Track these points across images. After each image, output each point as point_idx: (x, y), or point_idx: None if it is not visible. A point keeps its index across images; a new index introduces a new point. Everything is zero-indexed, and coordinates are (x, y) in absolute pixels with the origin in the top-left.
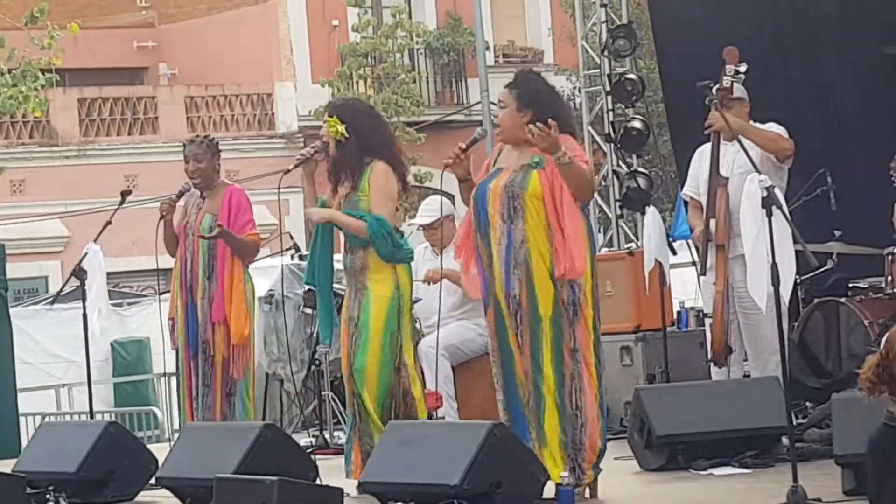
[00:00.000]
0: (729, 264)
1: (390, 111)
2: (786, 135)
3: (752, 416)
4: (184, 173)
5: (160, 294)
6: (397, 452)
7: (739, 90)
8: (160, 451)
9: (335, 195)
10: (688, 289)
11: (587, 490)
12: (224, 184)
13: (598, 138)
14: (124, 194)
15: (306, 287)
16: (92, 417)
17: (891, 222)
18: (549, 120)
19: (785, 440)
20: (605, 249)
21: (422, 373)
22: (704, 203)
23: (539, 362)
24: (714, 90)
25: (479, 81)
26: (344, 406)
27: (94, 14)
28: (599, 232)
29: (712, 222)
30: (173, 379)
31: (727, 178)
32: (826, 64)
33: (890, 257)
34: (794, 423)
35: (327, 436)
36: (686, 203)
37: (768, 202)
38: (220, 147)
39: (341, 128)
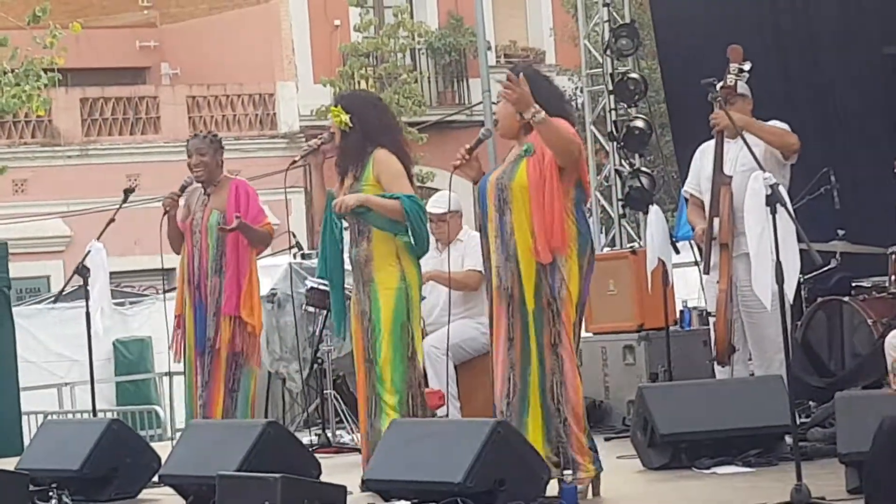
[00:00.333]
0: (733, 263)
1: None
2: (790, 131)
3: (756, 414)
4: (185, 172)
5: (165, 292)
6: (401, 450)
7: (743, 88)
8: (162, 449)
9: (342, 187)
10: (690, 288)
11: (590, 488)
12: (227, 178)
13: (600, 138)
14: (127, 192)
15: (309, 285)
16: (95, 416)
17: None
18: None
19: (788, 439)
20: (606, 249)
21: (425, 372)
22: (705, 200)
23: (528, 355)
24: (718, 88)
25: (480, 82)
26: (346, 404)
27: (96, 14)
28: (602, 232)
29: (716, 221)
30: (175, 378)
31: (731, 177)
32: (826, 64)
33: (894, 256)
34: (798, 422)
35: (329, 434)
36: (687, 201)
37: (773, 200)
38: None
39: (345, 118)
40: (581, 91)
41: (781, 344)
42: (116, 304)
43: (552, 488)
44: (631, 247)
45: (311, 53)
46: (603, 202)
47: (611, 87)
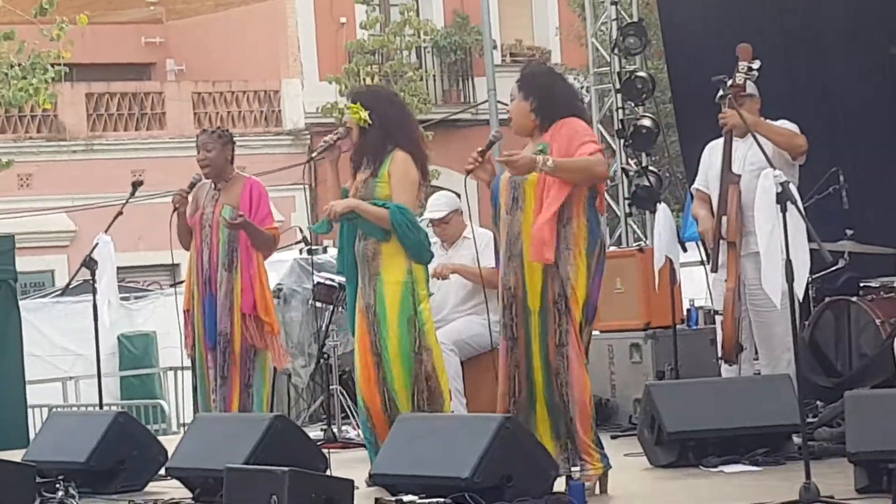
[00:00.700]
0: (741, 262)
1: None
2: (798, 131)
3: (763, 413)
4: (191, 168)
5: (175, 285)
6: (408, 445)
7: (751, 87)
8: (168, 443)
9: (355, 182)
10: (697, 287)
11: (597, 485)
12: (241, 176)
13: (607, 136)
14: (135, 185)
15: (316, 280)
16: (101, 409)
17: None
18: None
19: (795, 438)
20: (612, 248)
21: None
22: (712, 197)
23: (531, 355)
24: (727, 86)
25: (486, 80)
26: (352, 400)
27: (102, 9)
28: (607, 231)
29: (724, 219)
30: (180, 373)
31: (739, 175)
32: (832, 64)
33: None
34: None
35: (335, 429)
36: (692, 198)
37: (783, 198)
38: None
39: (365, 114)
40: (587, 91)
41: (789, 343)
42: (121, 298)
43: (559, 484)
44: (638, 245)
45: (316, 51)
46: (609, 201)
47: (618, 86)
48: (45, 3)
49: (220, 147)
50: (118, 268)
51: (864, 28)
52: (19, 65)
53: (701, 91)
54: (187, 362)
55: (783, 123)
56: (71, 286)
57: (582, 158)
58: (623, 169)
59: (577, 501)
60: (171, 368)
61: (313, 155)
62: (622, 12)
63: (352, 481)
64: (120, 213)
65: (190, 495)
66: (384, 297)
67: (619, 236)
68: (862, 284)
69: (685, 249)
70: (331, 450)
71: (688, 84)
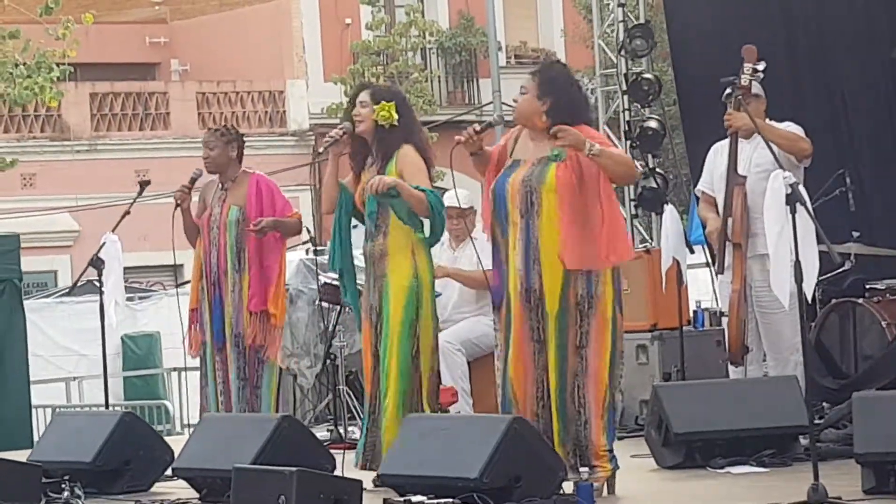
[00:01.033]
0: (747, 263)
1: None
2: (803, 135)
3: (770, 414)
4: (194, 168)
5: (179, 286)
6: (417, 445)
7: (756, 88)
8: (172, 444)
9: (357, 180)
10: (703, 288)
11: (605, 486)
12: (247, 174)
13: (613, 138)
14: (143, 184)
15: (322, 281)
16: (108, 409)
17: None
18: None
19: (802, 440)
20: None
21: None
22: (718, 199)
23: (546, 357)
24: (737, 87)
25: (490, 82)
26: (359, 400)
27: (107, 9)
28: None
29: (730, 221)
30: (183, 373)
31: (744, 177)
32: (836, 66)
33: None
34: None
35: (342, 430)
36: (698, 200)
37: (792, 199)
38: None
39: (395, 115)
40: (592, 92)
41: (796, 345)
42: (126, 298)
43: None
44: (645, 246)
45: (321, 51)
46: None
47: (625, 88)
48: (50, 2)
49: (222, 145)
50: None
51: (867, 30)
52: (24, 64)
53: (706, 92)
54: (191, 363)
55: (789, 126)
56: (64, 290)
57: (622, 154)
58: None
59: (585, 502)
60: (174, 369)
61: (320, 150)
62: (629, 14)
63: (360, 482)
64: (127, 212)
65: (196, 496)
66: (389, 300)
67: None
68: (868, 286)
69: (692, 251)
70: (337, 450)
71: (693, 85)
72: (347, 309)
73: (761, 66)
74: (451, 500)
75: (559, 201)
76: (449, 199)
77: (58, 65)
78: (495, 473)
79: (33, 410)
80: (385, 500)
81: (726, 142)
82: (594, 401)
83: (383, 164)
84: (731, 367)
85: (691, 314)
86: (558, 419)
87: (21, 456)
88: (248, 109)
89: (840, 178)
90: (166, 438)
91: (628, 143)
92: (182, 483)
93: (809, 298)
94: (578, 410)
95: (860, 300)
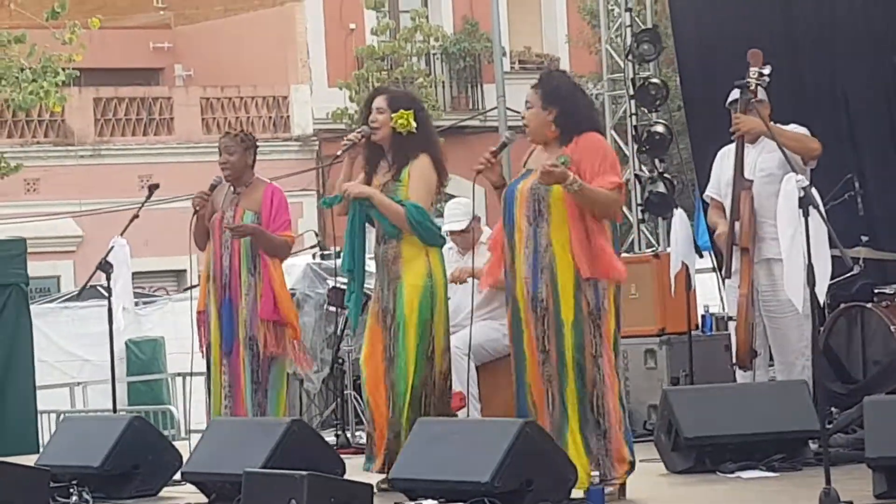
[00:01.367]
0: (754, 268)
1: None
2: (810, 135)
3: (780, 419)
4: (199, 173)
5: (189, 289)
6: (427, 449)
7: (760, 93)
8: (178, 449)
9: (368, 184)
10: (711, 293)
11: (616, 491)
12: (262, 182)
13: (620, 143)
14: (152, 188)
15: (330, 285)
16: (115, 413)
17: None
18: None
19: (812, 444)
20: (627, 254)
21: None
22: (725, 205)
23: (565, 367)
24: (747, 91)
25: (495, 87)
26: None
27: (111, 14)
28: (619, 236)
29: (737, 225)
30: (188, 378)
31: (751, 181)
32: (841, 71)
33: None
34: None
35: (349, 435)
36: (705, 206)
37: (805, 202)
38: None
39: (413, 123)
40: (597, 97)
41: (803, 349)
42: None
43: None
44: (653, 251)
45: (325, 57)
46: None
47: (632, 92)
48: (56, 7)
49: (241, 151)
50: None
51: (870, 35)
52: (30, 68)
53: (712, 97)
54: (195, 368)
55: (794, 128)
56: (75, 292)
57: (605, 192)
58: (636, 175)
59: None
60: (178, 374)
61: (338, 152)
62: (636, 19)
63: (371, 486)
64: (136, 216)
65: (205, 500)
66: (403, 301)
67: (632, 242)
68: (876, 291)
69: (701, 255)
70: (344, 455)
71: (699, 90)
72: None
73: (767, 70)
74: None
75: (568, 210)
76: (448, 223)
77: (63, 69)
78: (507, 477)
79: (39, 415)
80: None
81: (732, 147)
82: (613, 410)
83: (398, 170)
84: (738, 372)
85: (699, 319)
86: (581, 430)
87: (27, 461)
88: (252, 115)
89: (849, 183)
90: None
91: (635, 147)
92: (191, 487)
93: (822, 302)
94: (598, 420)
95: (869, 305)
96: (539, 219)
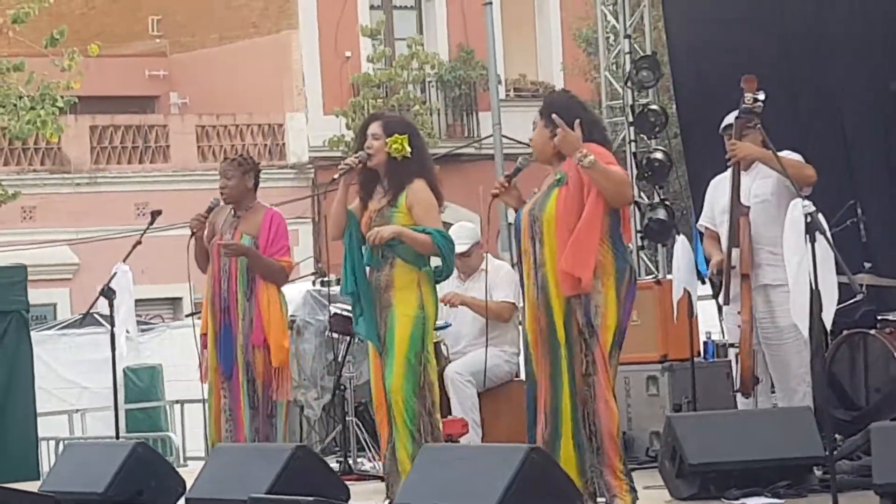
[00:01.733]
0: (753, 294)
1: None
2: (804, 162)
3: (785, 445)
4: (195, 200)
5: (191, 315)
6: (433, 475)
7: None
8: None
9: (364, 208)
10: (712, 320)
11: None
12: (262, 206)
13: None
14: (154, 215)
15: (332, 311)
16: (118, 439)
17: None
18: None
19: (817, 471)
20: None
21: (447, 399)
22: (720, 233)
23: (558, 387)
24: (734, 119)
25: (490, 115)
26: (367, 432)
27: (106, 42)
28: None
29: (735, 252)
30: (187, 406)
31: (748, 207)
32: (838, 98)
33: None
34: (826, 454)
35: (351, 461)
36: (702, 235)
37: (812, 228)
38: None
39: (408, 147)
40: None
41: (803, 375)
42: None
43: None
44: (654, 277)
45: (321, 84)
46: None
47: (631, 119)
48: (55, 34)
49: (239, 175)
50: None
51: (868, 62)
52: (28, 96)
53: (708, 123)
54: (194, 395)
55: (788, 154)
56: (73, 319)
57: (616, 170)
58: (636, 202)
59: None
60: (177, 401)
61: (334, 177)
62: (635, 46)
63: None
64: (139, 242)
65: None
66: (394, 330)
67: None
68: (879, 318)
69: (703, 282)
70: (347, 481)
71: (695, 117)
72: (358, 339)
73: (761, 96)
74: None
75: (557, 230)
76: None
77: (61, 97)
78: (513, 503)
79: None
80: None
81: (725, 175)
82: (605, 428)
83: (395, 196)
84: (740, 399)
85: (701, 345)
86: (575, 448)
87: (28, 488)
88: (248, 142)
89: (851, 209)
90: None
91: (635, 174)
92: None
93: (829, 327)
94: (590, 438)
95: (872, 331)
96: (536, 239)
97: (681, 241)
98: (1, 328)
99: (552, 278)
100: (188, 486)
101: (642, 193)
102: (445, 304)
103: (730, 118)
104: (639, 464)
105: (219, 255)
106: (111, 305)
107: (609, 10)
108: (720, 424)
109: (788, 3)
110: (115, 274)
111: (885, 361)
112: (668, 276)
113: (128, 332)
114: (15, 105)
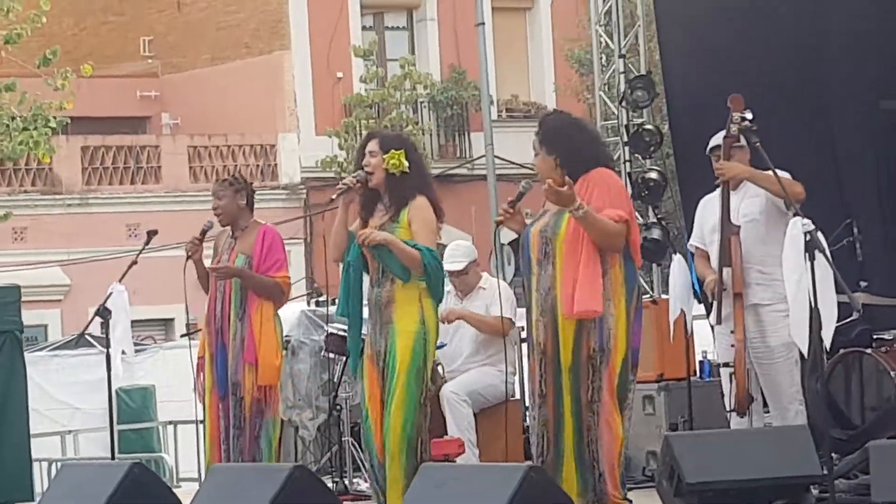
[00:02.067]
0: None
1: None
2: (793, 179)
3: (783, 464)
4: (186, 222)
5: (187, 335)
6: (431, 494)
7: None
8: None
9: (365, 227)
10: (709, 339)
11: None
12: (257, 224)
13: None
14: (150, 234)
15: (329, 331)
16: (114, 459)
17: None
18: (566, 178)
19: (815, 490)
20: None
21: (443, 418)
22: (711, 252)
23: (561, 412)
24: (722, 138)
25: (482, 135)
26: (363, 452)
27: (98, 63)
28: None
29: (726, 271)
30: (180, 427)
31: (739, 226)
32: (829, 117)
33: None
34: (822, 473)
35: (346, 482)
36: (693, 255)
37: (811, 246)
38: None
39: (406, 163)
40: None
41: (795, 394)
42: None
43: None
44: (651, 297)
45: (313, 105)
46: None
47: (626, 139)
48: (48, 54)
49: (231, 195)
50: None
51: (859, 82)
52: (21, 116)
53: (702, 143)
54: (186, 416)
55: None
56: (66, 340)
57: (610, 223)
58: None
59: None
60: (170, 422)
61: (333, 196)
62: (630, 66)
63: None
64: (134, 262)
65: None
66: (396, 346)
67: None
68: (875, 336)
69: (700, 301)
70: (344, 502)
71: (688, 138)
72: None
73: (749, 115)
74: None
75: (565, 252)
76: (448, 263)
77: (54, 117)
78: None
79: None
80: None
81: (714, 195)
82: (608, 454)
83: (396, 212)
84: (734, 418)
85: (697, 364)
86: (577, 473)
87: None
88: (240, 163)
89: (847, 228)
90: None
91: (630, 194)
92: None
93: (828, 346)
94: (593, 464)
95: (868, 350)
96: (545, 261)
97: (677, 261)
98: None
99: (559, 301)
100: None
101: (637, 213)
102: (443, 322)
103: (716, 139)
104: (636, 483)
105: (217, 278)
106: (107, 325)
107: (603, 30)
108: (718, 443)
109: (781, 23)
110: (110, 294)
111: (881, 380)
112: (664, 296)
113: (124, 352)
114: (7, 126)
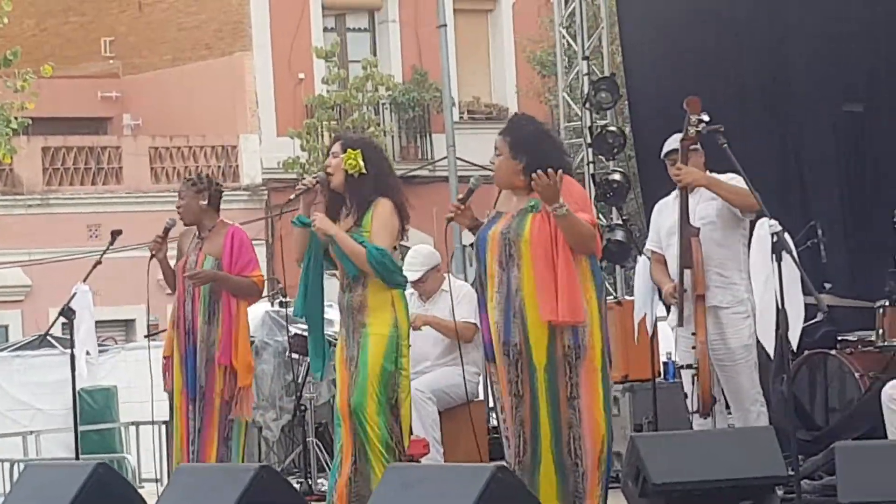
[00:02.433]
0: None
1: None
2: (747, 187)
3: (748, 465)
4: (148, 222)
5: (148, 336)
6: (397, 495)
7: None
8: None
9: None
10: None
11: None
12: (224, 225)
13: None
14: (115, 235)
15: (292, 332)
16: (78, 460)
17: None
18: (559, 171)
19: (780, 491)
20: None
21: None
22: (667, 255)
23: (537, 411)
24: (679, 141)
25: (444, 137)
26: (327, 453)
27: (59, 63)
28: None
29: (687, 273)
30: (142, 428)
31: (699, 228)
32: (793, 119)
33: (881, 310)
34: (787, 473)
35: (311, 482)
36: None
37: (778, 247)
38: None
39: (362, 163)
40: None
41: (756, 395)
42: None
43: None
44: (615, 298)
45: (274, 106)
46: None
47: (589, 140)
48: (9, 55)
49: (193, 194)
50: None
51: (822, 84)
52: None
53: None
54: (148, 417)
55: (732, 177)
56: (28, 340)
57: (587, 224)
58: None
59: None
60: (132, 423)
61: (291, 197)
62: (594, 67)
63: None
64: (98, 262)
65: None
66: (367, 349)
67: None
68: (839, 338)
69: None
70: (309, 502)
71: (650, 140)
72: None
73: (706, 117)
74: None
75: (533, 254)
76: (406, 270)
77: (15, 118)
78: None
79: None
80: None
81: (668, 199)
82: (591, 451)
83: (359, 216)
84: (696, 419)
85: (661, 366)
86: (556, 472)
87: None
88: (202, 164)
89: (812, 230)
90: None
91: (594, 195)
92: None
93: (795, 347)
94: (576, 462)
95: (833, 351)
96: (510, 263)
97: (642, 262)
98: None
99: (530, 303)
100: None
101: (601, 215)
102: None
103: (671, 143)
104: None
105: (184, 277)
106: (71, 325)
107: (566, 32)
108: (684, 444)
109: (743, 26)
110: (74, 294)
111: (845, 381)
112: (628, 297)
113: (88, 353)
114: None
